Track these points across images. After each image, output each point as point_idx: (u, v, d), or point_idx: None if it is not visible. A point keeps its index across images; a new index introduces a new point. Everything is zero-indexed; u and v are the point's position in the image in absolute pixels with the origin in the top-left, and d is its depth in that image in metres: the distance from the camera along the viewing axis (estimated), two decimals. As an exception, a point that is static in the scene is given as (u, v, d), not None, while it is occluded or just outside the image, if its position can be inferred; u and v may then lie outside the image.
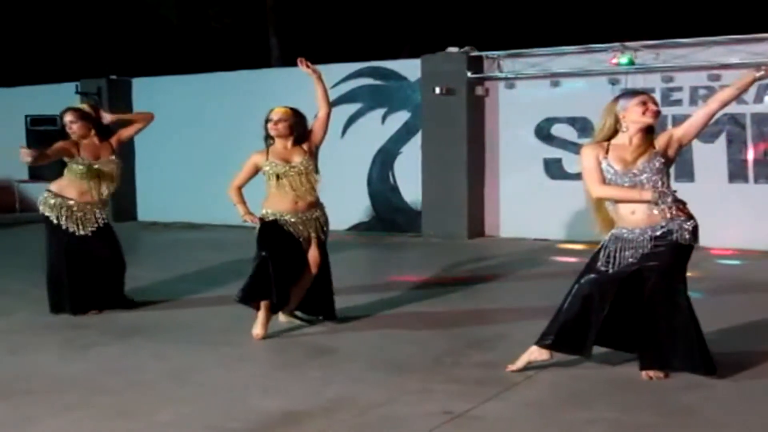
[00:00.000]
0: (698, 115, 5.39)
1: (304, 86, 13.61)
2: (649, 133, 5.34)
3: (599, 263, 5.40)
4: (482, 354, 6.12)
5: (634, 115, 5.30)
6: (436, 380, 5.48)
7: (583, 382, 5.36)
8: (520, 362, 5.58)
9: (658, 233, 5.26)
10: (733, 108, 10.90)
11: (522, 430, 4.64)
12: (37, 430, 4.72)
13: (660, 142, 5.33)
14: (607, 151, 5.35)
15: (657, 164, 5.24)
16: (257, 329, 6.58)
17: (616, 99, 5.45)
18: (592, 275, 5.42)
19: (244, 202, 6.87)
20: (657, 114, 5.31)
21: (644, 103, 5.29)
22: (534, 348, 5.58)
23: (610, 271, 5.36)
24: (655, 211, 5.22)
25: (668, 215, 5.22)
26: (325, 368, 5.82)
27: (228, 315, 7.32)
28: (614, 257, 5.35)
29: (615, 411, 4.84)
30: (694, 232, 5.28)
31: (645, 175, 5.24)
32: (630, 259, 5.31)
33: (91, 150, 7.69)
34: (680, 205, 5.32)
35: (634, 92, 5.53)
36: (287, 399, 5.12)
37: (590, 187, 5.39)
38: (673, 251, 5.24)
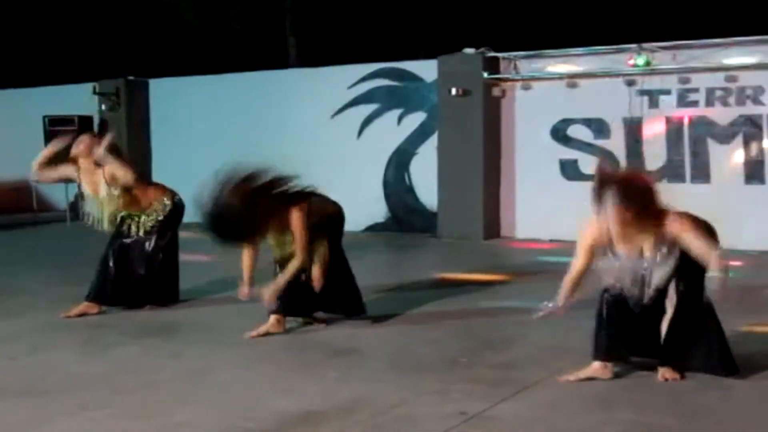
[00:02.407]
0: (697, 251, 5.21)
1: (321, 87, 13.63)
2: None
3: None
4: (498, 355, 6.12)
5: None
6: (452, 381, 5.49)
7: (598, 384, 5.35)
8: (583, 375, 5.42)
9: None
10: (750, 109, 10.91)
11: (537, 430, 4.64)
12: (56, 429, 4.75)
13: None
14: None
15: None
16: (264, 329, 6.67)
17: None
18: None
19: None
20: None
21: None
22: (598, 365, 5.42)
23: None
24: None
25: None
26: (342, 368, 5.83)
27: (244, 315, 7.33)
28: None
29: (631, 412, 4.84)
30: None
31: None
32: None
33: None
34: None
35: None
36: (304, 399, 5.14)
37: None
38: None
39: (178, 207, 7.93)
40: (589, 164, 11.96)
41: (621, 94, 11.74)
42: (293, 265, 6.59)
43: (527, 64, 12.58)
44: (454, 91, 12.48)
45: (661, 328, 5.39)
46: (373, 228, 13.59)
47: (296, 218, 6.61)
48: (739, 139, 11.06)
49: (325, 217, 6.95)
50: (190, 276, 8.69)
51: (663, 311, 5.37)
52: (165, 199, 7.88)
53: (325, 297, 6.97)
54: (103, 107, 15.76)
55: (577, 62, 12.09)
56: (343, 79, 13.78)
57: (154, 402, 5.15)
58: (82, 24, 23.24)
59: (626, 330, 5.41)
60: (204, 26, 21.67)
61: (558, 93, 12.28)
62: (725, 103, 11.15)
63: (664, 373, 5.38)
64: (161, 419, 4.83)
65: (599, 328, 5.46)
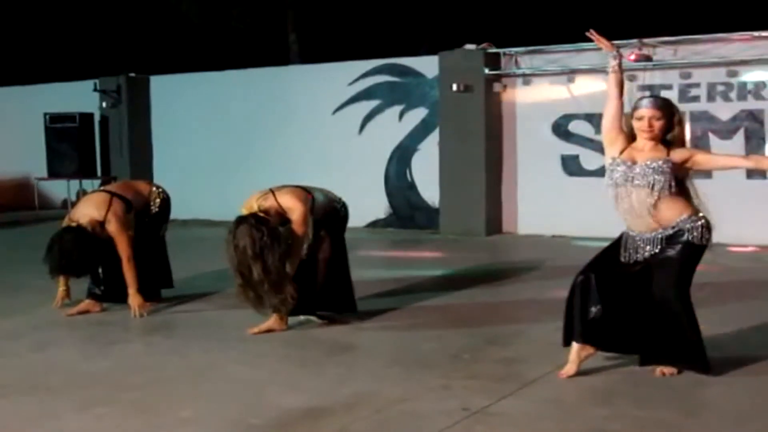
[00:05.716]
0: (725, 160, 5.56)
1: (323, 83, 13.62)
2: (663, 144, 5.33)
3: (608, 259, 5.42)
4: (501, 350, 6.14)
5: (635, 128, 5.38)
6: (455, 377, 5.50)
7: (600, 379, 5.37)
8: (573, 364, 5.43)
9: (669, 233, 5.27)
10: (751, 104, 10.91)
11: (540, 426, 4.65)
12: (61, 425, 4.77)
13: (678, 154, 5.29)
14: (621, 152, 5.37)
15: (661, 164, 5.23)
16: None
17: (635, 104, 5.46)
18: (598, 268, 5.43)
19: None
20: (651, 133, 5.30)
21: (640, 119, 5.32)
22: (576, 346, 5.43)
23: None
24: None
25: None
26: (345, 365, 5.85)
27: (247, 312, 7.34)
28: (625, 254, 5.37)
29: (634, 407, 4.85)
30: (708, 231, 5.29)
31: (640, 168, 5.25)
32: (639, 257, 5.33)
33: None
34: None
35: (641, 100, 5.47)
36: (307, 395, 5.15)
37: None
38: (684, 251, 5.25)
39: (165, 201, 7.99)
40: (590, 159, 11.97)
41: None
42: (294, 262, 6.60)
43: (528, 60, 12.56)
44: (455, 86, 12.47)
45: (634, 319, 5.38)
46: (374, 224, 13.59)
47: (299, 213, 6.62)
48: (741, 134, 11.06)
49: (329, 213, 6.97)
50: (189, 274, 8.72)
51: (641, 300, 5.35)
52: (153, 197, 7.93)
53: (324, 294, 6.98)
54: (104, 104, 15.75)
55: (578, 57, 12.07)
56: (345, 76, 13.77)
57: (159, 399, 5.17)
58: (83, 21, 23.24)
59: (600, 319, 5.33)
60: (205, 23, 21.66)
61: (559, 88, 12.28)
62: (726, 98, 11.14)
63: (661, 369, 5.37)
64: (166, 416, 4.85)
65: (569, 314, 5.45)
